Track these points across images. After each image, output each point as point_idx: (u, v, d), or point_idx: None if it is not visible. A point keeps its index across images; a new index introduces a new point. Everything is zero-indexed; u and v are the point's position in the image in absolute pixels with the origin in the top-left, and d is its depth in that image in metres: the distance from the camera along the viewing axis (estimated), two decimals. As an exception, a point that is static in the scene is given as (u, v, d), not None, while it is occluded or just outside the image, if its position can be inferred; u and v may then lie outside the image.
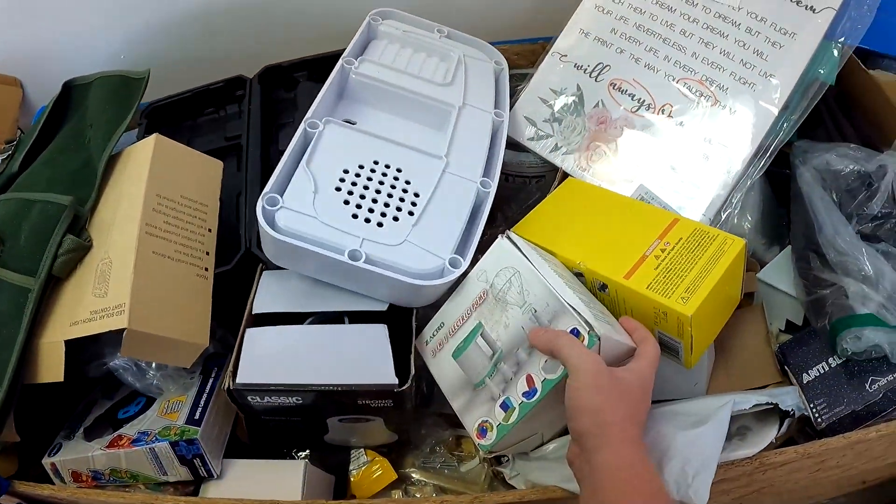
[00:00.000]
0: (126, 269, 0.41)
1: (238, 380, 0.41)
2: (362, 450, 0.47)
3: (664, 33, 0.51)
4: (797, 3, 0.49)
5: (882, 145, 0.52)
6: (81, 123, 0.53)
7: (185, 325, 0.43)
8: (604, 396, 0.35)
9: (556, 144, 0.52)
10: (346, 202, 0.42)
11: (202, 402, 0.45)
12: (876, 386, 0.45)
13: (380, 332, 0.41)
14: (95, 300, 0.42)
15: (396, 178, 0.44)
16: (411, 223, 0.42)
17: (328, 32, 0.55)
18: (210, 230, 0.47)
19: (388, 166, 0.44)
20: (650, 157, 0.49)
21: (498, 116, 0.50)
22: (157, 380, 0.45)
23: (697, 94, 0.50)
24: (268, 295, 0.45)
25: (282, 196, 0.41)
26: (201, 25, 0.61)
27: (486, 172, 0.46)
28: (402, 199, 0.43)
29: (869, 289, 0.45)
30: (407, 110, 0.49)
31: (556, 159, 0.52)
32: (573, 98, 0.52)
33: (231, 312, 0.45)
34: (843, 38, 0.49)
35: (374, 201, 0.42)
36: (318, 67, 0.56)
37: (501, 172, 0.54)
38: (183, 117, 0.58)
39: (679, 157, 0.49)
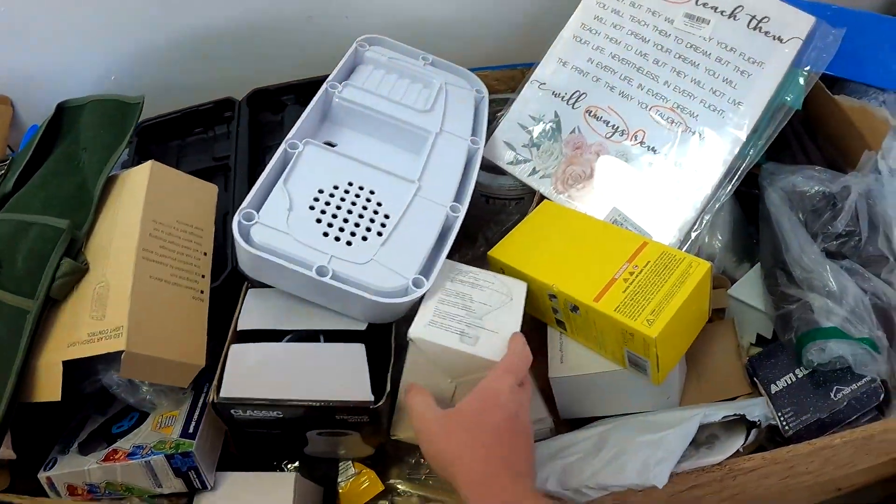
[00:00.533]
0: (123, 293, 0.46)
1: (222, 394, 0.46)
2: (350, 462, 0.53)
3: (638, 62, 0.57)
4: (765, 34, 0.55)
5: (846, 167, 0.58)
6: (75, 146, 0.58)
7: (182, 346, 0.48)
8: (434, 443, 0.37)
9: (534, 168, 0.58)
10: (319, 220, 0.47)
11: (195, 416, 0.50)
12: (840, 395, 0.50)
13: (357, 350, 0.46)
14: (93, 322, 0.47)
15: (369, 200, 0.49)
16: (379, 243, 0.47)
17: (316, 58, 0.60)
18: (205, 253, 0.52)
19: (361, 188, 0.49)
20: (623, 181, 0.55)
21: (474, 143, 0.55)
22: (151, 395, 0.50)
23: (669, 121, 0.55)
24: (252, 312, 0.50)
25: (258, 212, 0.46)
26: (191, 48, 0.66)
27: (458, 197, 0.51)
28: (372, 220, 0.48)
29: (833, 303, 0.51)
30: (386, 134, 0.55)
31: (534, 183, 0.58)
32: (551, 124, 0.58)
33: (218, 327, 0.50)
34: (808, 67, 0.55)
35: (346, 221, 0.47)
36: (305, 91, 0.62)
37: (482, 195, 0.60)
38: (172, 137, 0.64)
39: (651, 181, 0.55)
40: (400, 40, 0.62)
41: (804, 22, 0.54)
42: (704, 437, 0.48)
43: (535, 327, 0.55)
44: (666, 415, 0.49)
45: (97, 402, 0.54)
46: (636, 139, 0.56)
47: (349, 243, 0.47)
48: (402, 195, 0.50)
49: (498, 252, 0.53)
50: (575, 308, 0.49)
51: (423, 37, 0.64)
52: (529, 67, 0.61)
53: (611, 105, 0.57)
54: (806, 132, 0.59)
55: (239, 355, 0.47)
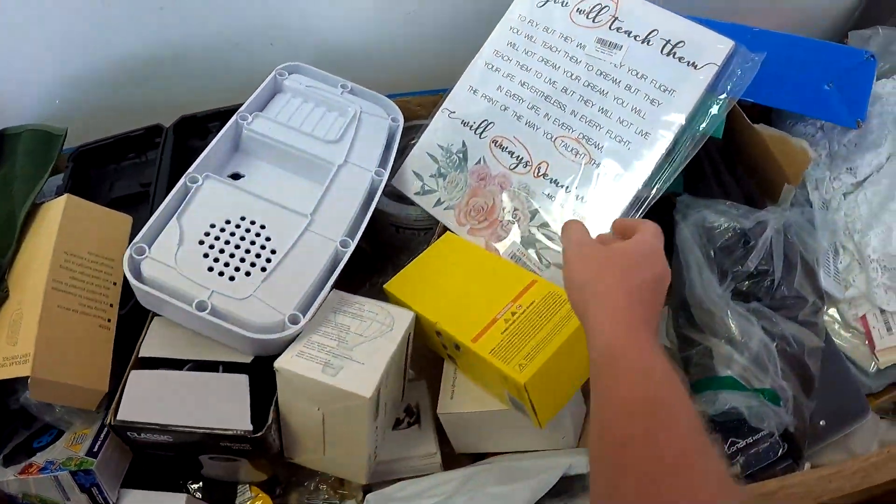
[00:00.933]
0: (33, 321, 0.51)
1: (118, 417, 0.50)
2: (248, 486, 0.57)
3: (546, 90, 0.58)
4: (679, 60, 0.55)
5: (767, 199, 0.57)
6: (11, 174, 0.64)
7: (87, 372, 0.53)
8: (586, 267, 0.38)
9: (440, 199, 0.59)
10: (206, 255, 0.50)
11: (102, 436, 0.55)
12: (735, 448, 0.51)
13: (241, 381, 0.50)
14: (8, 347, 0.52)
15: (258, 235, 0.52)
16: (261, 279, 0.50)
17: (244, 84, 0.63)
18: (115, 283, 0.57)
19: (253, 222, 0.52)
20: (524, 215, 0.56)
21: (378, 175, 0.57)
22: (64, 414, 0.55)
23: (573, 152, 0.56)
24: (155, 340, 0.54)
25: (150, 246, 0.50)
26: (131, 73, 0.71)
27: (350, 231, 0.54)
28: (258, 255, 0.51)
29: (734, 350, 0.51)
30: (294, 166, 0.58)
31: (438, 214, 0.59)
32: (458, 154, 0.60)
33: (127, 353, 0.55)
34: (724, 95, 0.54)
35: (232, 256, 0.50)
36: (230, 118, 0.65)
37: (392, 224, 0.63)
38: (108, 161, 0.69)
39: (552, 215, 0.55)
40: (326, 67, 0.64)
41: (721, 46, 0.54)
42: (581, 487, 0.49)
43: (435, 360, 0.58)
44: (534, 461, 0.51)
45: (24, 418, 0.60)
46: (539, 171, 0.56)
47: (232, 278, 0.50)
48: (292, 230, 0.53)
49: (393, 286, 0.56)
50: (458, 346, 0.51)
51: (348, 63, 0.66)
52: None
53: (516, 135, 0.58)
54: (725, 162, 0.58)
55: (137, 381, 0.52)
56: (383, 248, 0.64)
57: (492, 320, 0.50)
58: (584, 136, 0.56)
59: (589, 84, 0.57)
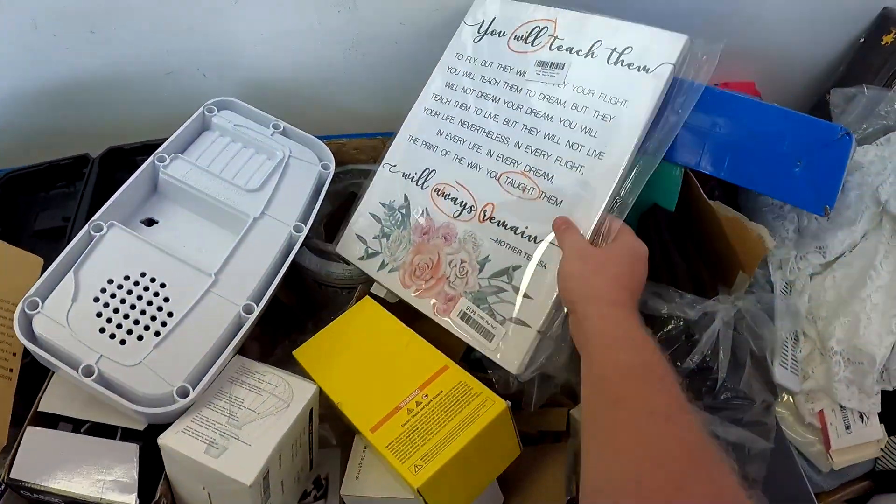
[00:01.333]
0: (-72, 372, 0.50)
1: (11, 475, 0.48)
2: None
3: (487, 126, 0.53)
4: (628, 67, 0.49)
5: (719, 282, 0.51)
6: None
7: (-16, 424, 0.52)
8: (587, 263, 0.44)
9: (384, 261, 0.55)
10: (100, 314, 0.47)
11: (2, 488, 0.54)
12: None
13: (131, 451, 0.48)
14: None
15: (157, 294, 0.48)
16: (153, 344, 0.47)
17: (176, 115, 0.59)
18: (20, 331, 0.55)
19: (153, 280, 0.49)
20: (473, 267, 0.51)
21: (297, 230, 0.54)
22: (-33, 463, 0.55)
23: (520, 188, 0.51)
24: (56, 395, 0.52)
25: (44, 301, 0.47)
26: (65, 98, 0.68)
27: (257, 294, 0.50)
28: (153, 318, 0.48)
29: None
30: (210, 214, 0.55)
31: (383, 278, 0.54)
32: (401, 210, 0.55)
33: (30, 401, 0.53)
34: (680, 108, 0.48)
35: (126, 317, 0.47)
36: (155, 155, 0.62)
37: (314, 280, 0.59)
38: (37, 188, 0.66)
39: (503, 263, 0.49)
40: (260, 101, 0.61)
41: (675, 43, 0.48)
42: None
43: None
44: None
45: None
46: (485, 215, 0.51)
47: (123, 342, 0.47)
48: (194, 290, 0.50)
49: (301, 353, 0.52)
50: (359, 431, 0.48)
51: (284, 99, 0.62)
52: (391, 137, 0.58)
53: (458, 179, 0.53)
54: (674, 238, 0.52)
55: (33, 438, 0.50)
56: (309, 302, 0.60)
57: (395, 408, 0.47)
58: (531, 169, 0.50)
59: (532, 111, 0.51)
